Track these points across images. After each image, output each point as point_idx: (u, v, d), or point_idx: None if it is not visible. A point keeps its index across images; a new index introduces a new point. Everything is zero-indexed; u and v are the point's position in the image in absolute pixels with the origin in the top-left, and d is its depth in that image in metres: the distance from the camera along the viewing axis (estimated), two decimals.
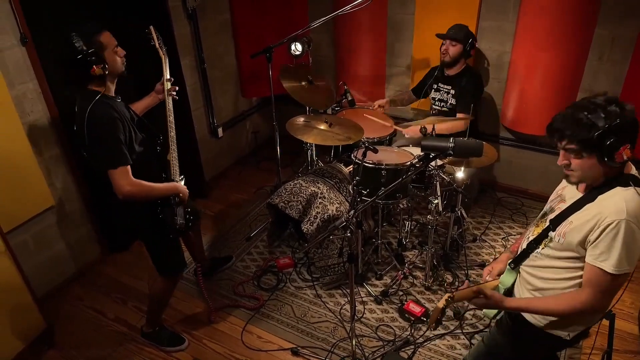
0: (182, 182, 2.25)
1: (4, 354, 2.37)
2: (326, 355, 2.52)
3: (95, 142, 1.95)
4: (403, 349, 2.53)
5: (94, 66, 1.91)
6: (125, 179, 1.95)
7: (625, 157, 1.39)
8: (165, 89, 2.30)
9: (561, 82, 3.16)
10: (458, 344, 2.55)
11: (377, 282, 3.00)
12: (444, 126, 3.05)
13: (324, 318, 2.76)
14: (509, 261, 1.78)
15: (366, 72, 3.89)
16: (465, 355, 2.16)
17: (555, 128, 1.47)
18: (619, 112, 1.37)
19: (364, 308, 2.81)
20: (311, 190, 2.89)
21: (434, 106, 3.35)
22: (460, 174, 2.69)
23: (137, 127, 2.12)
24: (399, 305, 2.80)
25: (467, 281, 1.81)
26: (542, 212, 1.75)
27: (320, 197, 2.85)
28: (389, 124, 3.23)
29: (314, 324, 2.72)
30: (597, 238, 1.43)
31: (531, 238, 1.68)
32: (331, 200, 2.86)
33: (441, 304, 1.61)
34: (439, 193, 2.73)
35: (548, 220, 1.63)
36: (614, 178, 1.47)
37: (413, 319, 2.67)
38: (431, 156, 1.88)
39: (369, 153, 2.52)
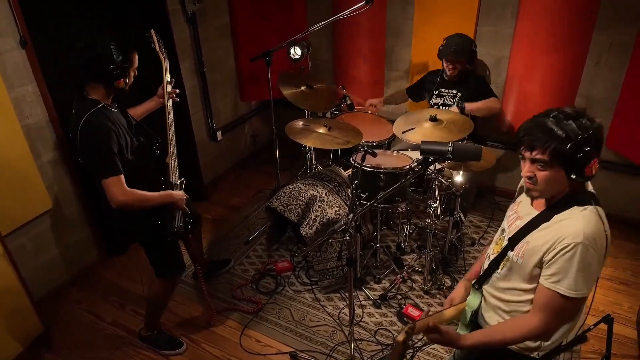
0: (182, 185, 2.25)
1: (1, 357, 2.37)
2: (325, 359, 2.52)
3: (88, 151, 1.97)
4: None
5: (121, 79, 1.97)
6: (118, 189, 1.95)
7: (593, 172, 1.33)
8: (166, 91, 2.30)
9: (559, 87, 3.17)
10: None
11: (375, 286, 3.00)
12: (481, 105, 3.08)
13: (322, 322, 2.76)
14: (473, 282, 1.67)
15: (365, 76, 3.90)
16: None
17: (526, 137, 1.38)
18: (590, 125, 1.31)
19: (363, 312, 2.81)
20: (310, 193, 2.89)
21: None
22: (458, 177, 2.70)
23: (135, 131, 2.13)
24: (398, 309, 2.80)
25: (430, 310, 1.70)
26: (500, 228, 1.66)
27: (319, 201, 2.86)
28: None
29: (312, 328, 2.72)
30: (551, 259, 1.36)
31: (492, 257, 1.60)
32: (330, 204, 2.86)
33: (401, 337, 1.44)
34: (437, 197, 2.74)
35: (507, 239, 1.54)
36: (572, 196, 1.40)
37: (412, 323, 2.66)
38: (430, 160, 1.88)
39: (368, 157, 2.52)
